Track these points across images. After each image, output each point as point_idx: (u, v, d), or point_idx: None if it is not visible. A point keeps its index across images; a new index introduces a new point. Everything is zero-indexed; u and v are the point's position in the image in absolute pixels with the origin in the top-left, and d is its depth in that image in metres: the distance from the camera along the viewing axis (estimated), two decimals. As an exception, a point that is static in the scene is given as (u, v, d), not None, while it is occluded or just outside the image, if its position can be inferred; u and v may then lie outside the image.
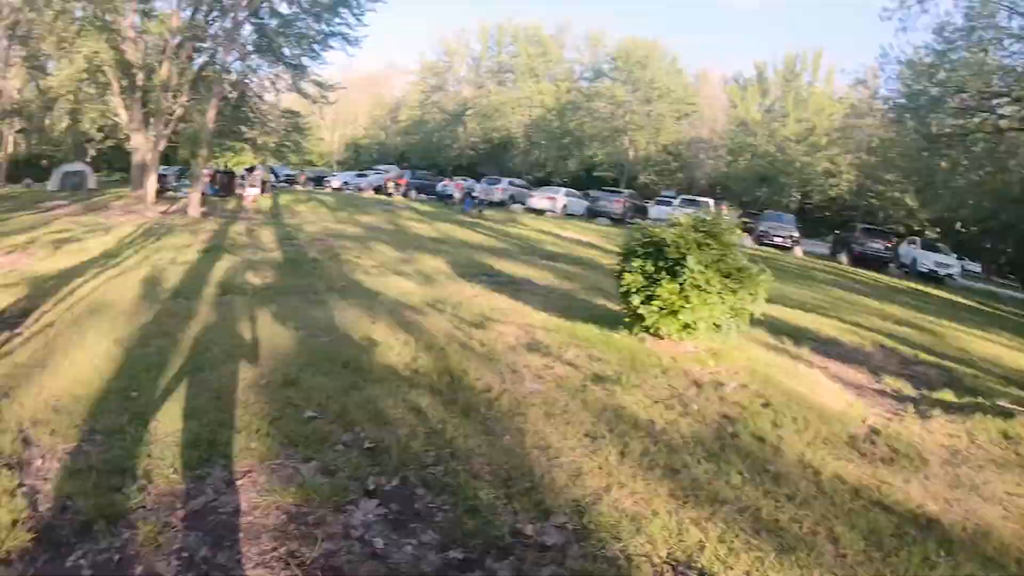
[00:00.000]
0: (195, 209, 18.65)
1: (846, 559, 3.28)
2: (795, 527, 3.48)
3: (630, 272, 5.87)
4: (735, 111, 47.40)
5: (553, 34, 52.93)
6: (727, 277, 5.71)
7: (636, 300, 5.87)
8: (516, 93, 47.77)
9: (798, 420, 4.98)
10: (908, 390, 6.82)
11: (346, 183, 35.68)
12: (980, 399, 6.51)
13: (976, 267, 38.28)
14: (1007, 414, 5.90)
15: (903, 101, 19.97)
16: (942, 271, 23.21)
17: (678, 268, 5.59)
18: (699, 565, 2.86)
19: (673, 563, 2.86)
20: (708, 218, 5.99)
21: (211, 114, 19.68)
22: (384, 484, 3.15)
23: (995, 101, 16.66)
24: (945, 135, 18.39)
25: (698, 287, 5.52)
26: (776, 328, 8.37)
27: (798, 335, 8.24)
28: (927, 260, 23.64)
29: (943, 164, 21.03)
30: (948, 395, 6.68)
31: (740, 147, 44.91)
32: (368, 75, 71.36)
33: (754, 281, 5.84)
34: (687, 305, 5.57)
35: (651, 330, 6.05)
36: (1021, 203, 21.64)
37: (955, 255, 26.80)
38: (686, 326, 5.80)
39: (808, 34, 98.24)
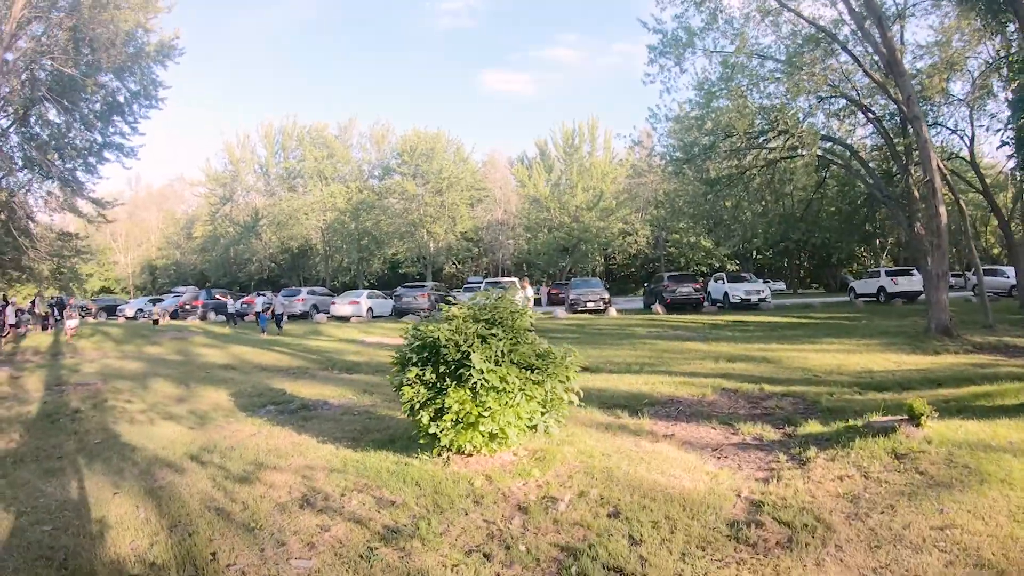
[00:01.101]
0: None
1: None
2: None
3: (408, 385, 4.58)
4: (525, 190, 49.19)
5: (337, 134, 52.04)
6: (528, 369, 4.64)
7: (424, 417, 4.58)
8: (308, 198, 45.25)
9: (659, 524, 3.93)
10: (770, 433, 6.05)
11: (141, 310, 32.67)
12: (849, 421, 5.92)
13: (781, 285, 42.80)
14: (886, 429, 5.29)
15: (679, 154, 21.42)
16: (754, 297, 24.93)
17: (463, 370, 4.41)
18: None
19: None
20: (488, 302, 4.90)
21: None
22: None
23: (762, 138, 18.35)
24: (724, 177, 19.97)
25: (493, 389, 4.36)
26: (607, 400, 7.54)
27: (633, 403, 7.43)
28: (737, 291, 25.33)
29: (727, 203, 22.82)
30: (815, 426, 6.01)
31: (536, 223, 46.54)
32: (158, 190, 66.38)
33: (561, 366, 4.82)
34: (485, 413, 4.38)
35: (453, 448, 4.76)
36: (804, 221, 24.17)
37: (760, 280, 29.24)
38: (492, 436, 4.60)
39: (582, 110, 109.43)
